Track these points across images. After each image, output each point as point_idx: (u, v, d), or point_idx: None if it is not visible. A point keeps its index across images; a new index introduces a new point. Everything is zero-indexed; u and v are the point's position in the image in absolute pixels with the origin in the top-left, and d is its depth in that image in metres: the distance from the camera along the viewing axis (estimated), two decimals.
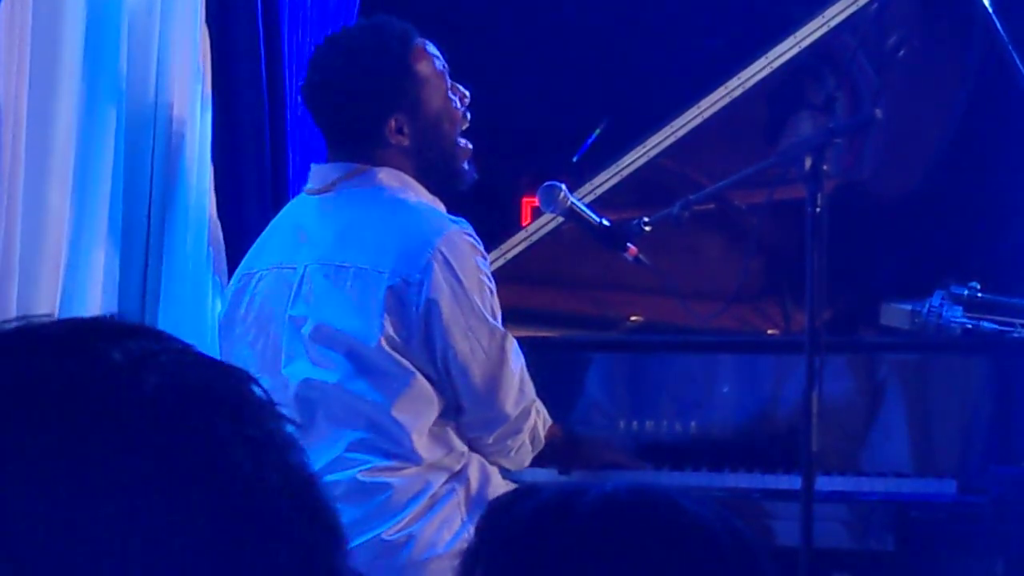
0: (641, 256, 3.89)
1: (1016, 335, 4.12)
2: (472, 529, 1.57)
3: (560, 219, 4.13)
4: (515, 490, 1.55)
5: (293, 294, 3.41)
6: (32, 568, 0.93)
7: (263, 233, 3.61)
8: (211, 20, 4.15)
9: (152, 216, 3.98)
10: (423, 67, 3.48)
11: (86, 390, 0.97)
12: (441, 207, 3.48)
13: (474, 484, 3.38)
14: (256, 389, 1.02)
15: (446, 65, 3.54)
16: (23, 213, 3.51)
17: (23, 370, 0.99)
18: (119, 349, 1.00)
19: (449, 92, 3.52)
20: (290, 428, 1.03)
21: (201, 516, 0.96)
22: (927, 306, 4.20)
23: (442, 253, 3.33)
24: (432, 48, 3.53)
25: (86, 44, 3.71)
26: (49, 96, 3.60)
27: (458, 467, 3.37)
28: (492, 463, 3.45)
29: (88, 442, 0.96)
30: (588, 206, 3.96)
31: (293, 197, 3.99)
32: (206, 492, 0.96)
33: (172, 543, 0.95)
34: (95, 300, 3.70)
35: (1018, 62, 4.28)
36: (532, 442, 3.46)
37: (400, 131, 3.46)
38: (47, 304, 3.52)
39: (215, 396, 1.00)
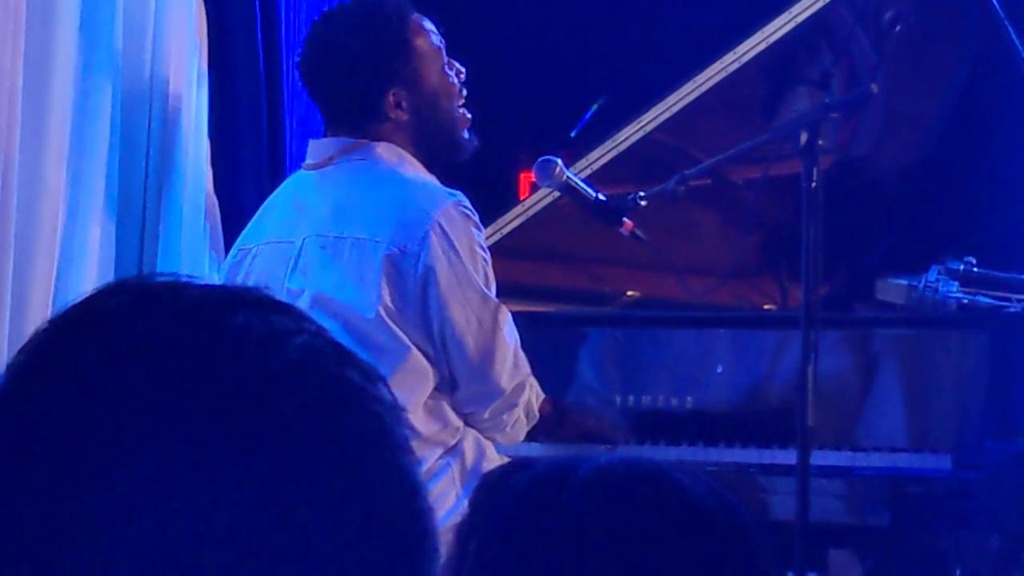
0: (637, 231, 3.89)
1: (1012, 310, 4.12)
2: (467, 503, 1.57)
3: (556, 194, 4.13)
4: (509, 463, 1.55)
5: (290, 268, 3.42)
6: (139, 527, 0.93)
7: (260, 209, 3.60)
8: None
9: (148, 192, 3.97)
10: (421, 42, 3.49)
11: (218, 357, 0.97)
12: (436, 183, 3.48)
13: (469, 458, 3.38)
14: (382, 388, 1.03)
15: (443, 41, 3.55)
16: (19, 189, 3.50)
17: (159, 328, 0.97)
18: (262, 323, 0.99)
19: (446, 68, 3.52)
20: (407, 432, 1.03)
21: (298, 503, 0.95)
22: (923, 281, 4.19)
23: (440, 225, 3.33)
24: (429, 24, 3.53)
25: (81, 19, 3.69)
26: (44, 72, 3.59)
27: (453, 442, 3.38)
28: (487, 438, 3.45)
29: (205, 410, 0.95)
30: (584, 181, 3.96)
31: (290, 172, 3.99)
32: (307, 479, 0.96)
33: (265, 527, 0.94)
34: (91, 275, 3.69)
35: (1015, 38, 4.28)
36: (527, 416, 3.46)
37: (399, 106, 3.46)
38: (43, 280, 3.52)
39: (338, 386, 1.00)
